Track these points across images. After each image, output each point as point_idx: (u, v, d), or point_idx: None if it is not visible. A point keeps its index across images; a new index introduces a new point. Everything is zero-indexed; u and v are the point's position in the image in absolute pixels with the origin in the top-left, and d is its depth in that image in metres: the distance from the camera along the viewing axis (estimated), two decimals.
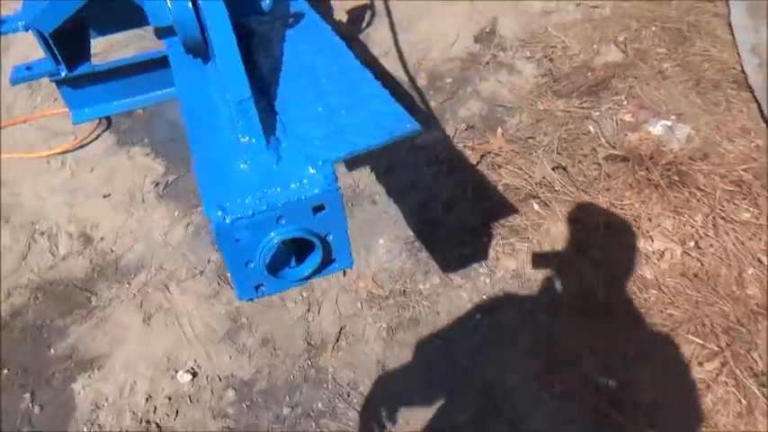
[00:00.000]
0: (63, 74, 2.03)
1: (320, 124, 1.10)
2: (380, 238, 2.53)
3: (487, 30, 3.58)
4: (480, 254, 2.40)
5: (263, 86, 1.23)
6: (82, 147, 3.13)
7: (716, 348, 2.02)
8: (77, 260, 2.61)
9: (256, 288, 1.04)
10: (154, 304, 2.47)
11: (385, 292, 2.35)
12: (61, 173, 3.04)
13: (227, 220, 0.94)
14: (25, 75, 2.12)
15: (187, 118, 1.19)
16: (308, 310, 2.35)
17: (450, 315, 2.26)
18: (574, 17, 3.53)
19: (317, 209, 0.99)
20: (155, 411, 2.08)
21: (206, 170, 1.06)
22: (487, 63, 3.36)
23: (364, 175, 2.82)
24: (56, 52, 1.98)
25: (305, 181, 0.99)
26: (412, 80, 3.29)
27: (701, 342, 2.02)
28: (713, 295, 2.15)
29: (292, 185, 0.98)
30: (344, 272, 2.45)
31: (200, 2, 1.12)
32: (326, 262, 1.08)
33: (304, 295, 2.40)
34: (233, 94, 1.06)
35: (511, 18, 3.61)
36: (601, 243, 2.35)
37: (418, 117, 3.08)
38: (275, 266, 1.03)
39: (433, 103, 3.16)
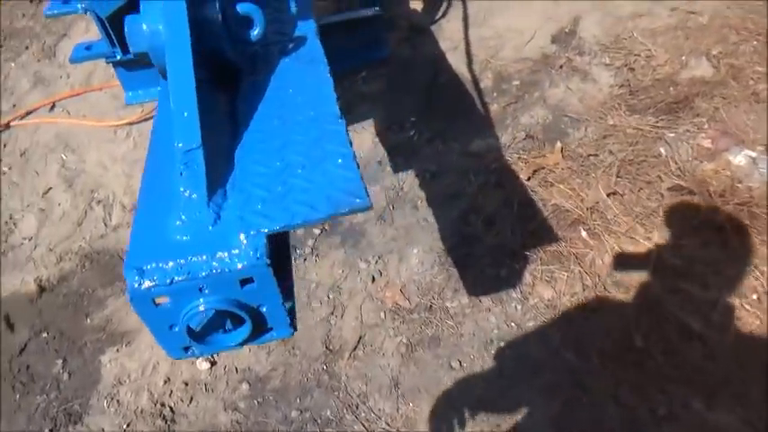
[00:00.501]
0: (118, 56, 2.07)
1: (271, 182, 1.00)
2: (415, 248, 2.46)
3: (567, 30, 3.33)
4: (515, 277, 2.28)
5: (233, 128, 1.15)
6: (146, 120, 3.24)
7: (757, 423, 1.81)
8: (126, 232, 2.73)
9: (185, 349, 0.98)
10: None
11: (411, 305, 2.29)
12: (125, 143, 3.17)
13: (143, 287, 0.87)
14: (84, 54, 2.20)
15: (147, 158, 1.13)
16: (332, 313, 2.33)
17: (474, 339, 2.16)
18: (666, 23, 3.21)
19: (245, 282, 0.91)
20: (170, 395, 2.15)
21: (140, 223, 0.99)
22: (561, 67, 3.14)
23: (410, 178, 2.74)
24: (111, 35, 2.02)
25: (234, 251, 0.89)
26: (476, 80, 3.14)
27: (742, 415, 1.82)
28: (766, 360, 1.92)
29: (219, 254, 0.89)
30: (373, 277, 2.41)
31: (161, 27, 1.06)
32: (262, 331, 1.00)
33: (330, 296, 2.39)
34: (180, 139, 0.99)
35: (595, 19, 3.35)
36: (648, 284, 2.15)
37: (477, 120, 2.96)
38: (203, 332, 0.96)
39: (494, 106, 3.01)
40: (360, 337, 2.23)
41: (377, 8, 2.42)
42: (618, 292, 2.16)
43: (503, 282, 2.28)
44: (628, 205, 2.37)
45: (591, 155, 2.65)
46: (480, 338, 2.16)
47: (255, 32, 1.15)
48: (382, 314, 2.28)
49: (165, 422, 2.09)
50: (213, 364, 2.24)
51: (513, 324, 2.17)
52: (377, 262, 2.46)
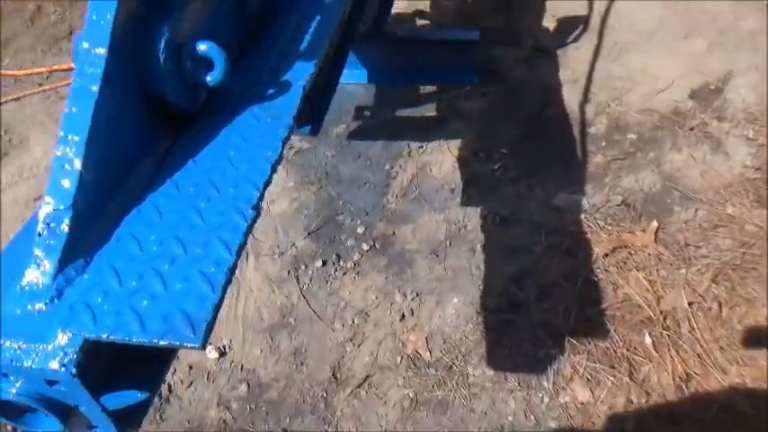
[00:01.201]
0: None
1: (132, 270, 0.84)
2: (457, 296, 2.25)
3: (713, 86, 2.87)
4: (553, 364, 2.01)
5: (146, 186, 1.00)
6: None
7: None
8: None
9: None
10: None
11: (431, 358, 2.11)
12: None
13: None
14: None
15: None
16: (351, 340, 2.21)
17: (484, 419, 1.95)
18: None
19: (52, 382, 0.77)
20: (174, 373, 2.16)
21: None
22: (691, 129, 2.71)
23: (477, 216, 2.51)
24: None
25: (46, 346, 0.76)
26: (587, 122, 2.79)
27: None
28: None
29: (31, 344, 0.76)
30: (404, 315, 2.25)
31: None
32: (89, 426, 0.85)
33: (355, 321, 2.26)
34: (51, 193, 0.84)
35: (750, 80, 2.85)
36: (706, 423, 1.80)
37: (572, 169, 2.63)
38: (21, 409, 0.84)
39: (598, 158, 2.66)
40: (367, 376, 2.10)
41: (476, 33, 2.18)
42: (667, 425, 1.83)
43: (538, 365, 2.02)
44: (712, 322, 1.99)
45: (691, 245, 2.26)
46: (491, 421, 1.94)
47: (213, 77, 0.98)
48: (399, 358, 2.13)
49: (160, 399, 2.10)
50: (222, 354, 2.22)
51: (532, 417, 1.92)
52: (413, 299, 2.29)
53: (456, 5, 3.53)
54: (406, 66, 2.36)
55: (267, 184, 0.96)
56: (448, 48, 2.31)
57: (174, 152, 1.01)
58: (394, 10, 3.37)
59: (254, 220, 0.90)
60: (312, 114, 1.76)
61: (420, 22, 3.41)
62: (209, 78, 0.96)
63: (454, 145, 2.83)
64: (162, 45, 0.89)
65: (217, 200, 0.93)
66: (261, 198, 0.94)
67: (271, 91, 1.10)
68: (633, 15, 3.24)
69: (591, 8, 3.35)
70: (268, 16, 1.27)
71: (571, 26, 3.28)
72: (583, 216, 2.40)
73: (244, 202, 0.92)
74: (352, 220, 2.65)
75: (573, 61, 3.10)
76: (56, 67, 3.62)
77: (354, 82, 2.42)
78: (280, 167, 2.81)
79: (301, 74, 1.13)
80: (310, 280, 2.44)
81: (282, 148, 1.01)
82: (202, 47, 0.94)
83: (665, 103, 2.82)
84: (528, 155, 2.72)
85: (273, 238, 2.63)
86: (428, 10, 3.48)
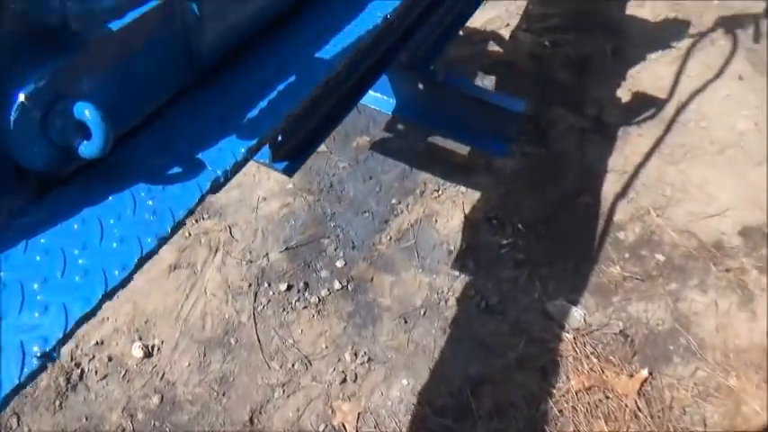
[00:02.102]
0: None
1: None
2: (407, 378, 2.06)
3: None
4: None
5: None
6: None
7: None
8: None
9: None
10: (192, 258, 2.38)
11: None
12: None
13: None
14: None
15: None
16: (283, 386, 2.05)
17: None
18: None
19: None
20: (91, 360, 2.03)
21: None
22: (727, 271, 2.42)
23: (464, 292, 2.29)
24: None
25: None
26: (616, 224, 2.52)
27: None
28: None
29: None
30: (345, 378, 2.06)
31: None
32: None
33: (295, 367, 2.09)
34: None
35: None
36: None
37: (581, 273, 2.36)
38: None
39: (614, 270, 2.40)
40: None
41: (522, 105, 1.91)
42: None
43: None
44: None
45: (675, 409, 2.02)
46: None
47: (87, 150, 0.74)
48: (323, 426, 1.95)
49: (66, 383, 1.98)
50: (147, 356, 2.07)
51: None
52: (363, 363, 2.10)
53: (530, 49, 3.22)
54: (438, 112, 2.10)
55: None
56: (488, 109, 2.05)
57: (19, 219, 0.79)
58: (460, 49, 3.10)
59: None
60: (294, 150, 1.54)
61: (482, 75, 3.12)
62: (81, 148, 0.73)
63: (470, 200, 2.59)
64: (22, 96, 0.67)
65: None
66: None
67: (174, 170, 0.87)
68: (713, 118, 2.91)
69: (672, 94, 3.02)
70: (234, 68, 1.04)
71: (643, 106, 2.96)
72: (573, 335, 2.16)
73: None
74: (336, 248, 2.45)
75: (630, 148, 2.80)
76: None
77: (376, 108, 2.17)
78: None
79: (223, 159, 0.89)
80: (268, 302, 2.26)
81: (141, 264, 0.78)
82: (84, 111, 0.71)
83: (709, 232, 2.52)
84: (543, 240, 2.47)
85: (250, 240, 2.46)
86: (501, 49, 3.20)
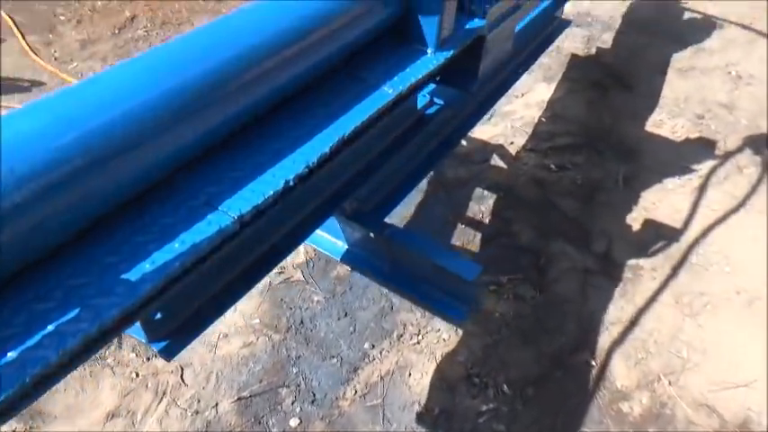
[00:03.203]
0: None
1: None
2: None
3: None
4: None
5: None
6: None
7: None
8: None
9: None
10: (134, 404, 2.15)
11: None
12: None
13: None
14: None
15: None
16: None
17: None
18: None
19: None
20: None
21: None
22: None
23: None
24: None
25: None
26: (620, 393, 2.16)
27: None
28: None
29: None
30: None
31: None
32: None
33: None
34: None
35: None
36: None
37: None
38: None
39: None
40: None
41: (476, 272, 1.61)
42: None
43: None
44: None
45: None
46: None
47: None
48: None
49: None
50: None
51: None
52: None
53: (533, 172, 2.99)
54: (390, 266, 1.83)
55: None
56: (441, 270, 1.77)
57: None
58: (458, 170, 2.90)
59: None
60: (182, 328, 1.29)
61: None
62: None
63: (452, 350, 2.29)
64: None
65: None
66: None
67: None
68: (739, 261, 2.56)
69: (691, 231, 2.69)
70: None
71: (658, 245, 2.65)
72: None
73: None
74: (294, 401, 2.18)
75: (641, 296, 2.47)
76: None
77: (325, 252, 1.91)
78: (256, 294, 2.42)
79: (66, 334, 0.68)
80: None
81: None
82: None
83: (733, 407, 2.13)
84: (531, 407, 2.13)
85: (201, 386, 2.21)
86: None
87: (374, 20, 1.23)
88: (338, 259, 1.85)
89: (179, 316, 1.26)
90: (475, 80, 1.61)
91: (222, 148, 1.04)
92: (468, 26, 1.39)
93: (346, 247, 1.84)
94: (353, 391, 2.21)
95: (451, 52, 1.36)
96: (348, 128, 1.09)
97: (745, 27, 3.98)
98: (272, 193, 0.95)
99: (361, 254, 1.83)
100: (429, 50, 1.32)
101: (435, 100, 1.83)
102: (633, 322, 2.37)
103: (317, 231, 1.83)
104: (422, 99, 1.83)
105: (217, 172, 0.99)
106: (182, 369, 2.28)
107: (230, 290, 1.31)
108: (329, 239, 1.86)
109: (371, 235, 1.80)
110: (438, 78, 1.65)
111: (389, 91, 1.20)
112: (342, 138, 1.07)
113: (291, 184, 0.98)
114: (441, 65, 1.32)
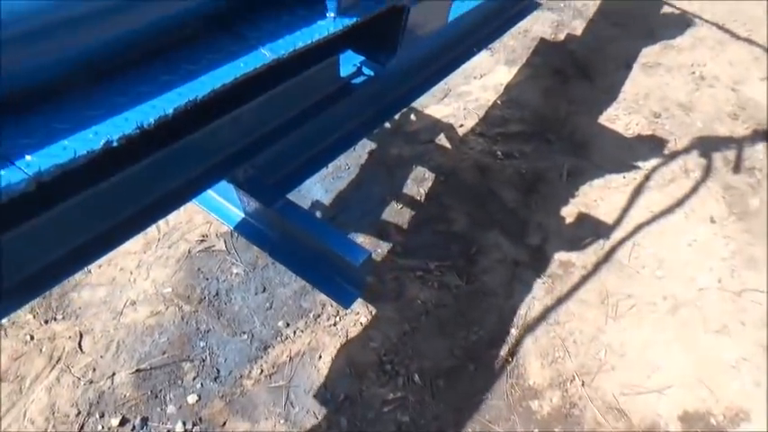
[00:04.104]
0: None
1: None
2: None
3: (714, 421, 2.12)
4: None
5: None
6: None
7: None
8: None
9: None
10: (24, 369, 2.04)
11: None
12: None
13: None
14: None
15: None
16: None
17: None
18: None
19: None
20: None
21: None
22: None
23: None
24: None
25: None
26: (531, 389, 2.11)
27: None
28: None
29: None
30: None
31: None
32: None
33: None
34: None
35: None
36: None
37: None
38: None
39: None
40: None
41: (364, 257, 1.49)
42: None
43: None
44: None
45: None
46: None
47: None
48: None
49: None
50: None
51: None
52: None
53: (478, 157, 2.89)
54: (281, 241, 1.70)
55: None
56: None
57: None
58: (403, 147, 2.78)
59: None
60: None
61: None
62: None
63: (367, 335, 2.21)
64: None
65: None
66: None
67: None
68: (672, 267, 2.52)
69: (629, 232, 2.64)
70: None
71: (593, 242, 2.59)
72: None
73: None
74: (195, 377, 2.09)
75: (573, 296, 2.41)
76: None
77: (217, 218, 1.76)
78: (173, 261, 2.29)
79: None
80: None
81: None
82: None
83: (644, 411, 2.10)
84: (439, 400, 2.07)
85: (99, 354, 2.11)
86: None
87: None
88: (232, 227, 1.73)
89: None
90: (392, 53, 1.49)
91: (56, 94, 0.91)
92: None
93: (242, 215, 1.73)
94: (260, 371, 2.12)
95: (353, 20, 1.23)
96: (201, 91, 0.96)
97: (718, 27, 3.89)
98: (85, 152, 0.83)
99: (255, 225, 1.71)
100: (330, 14, 1.19)
101: (364, 70, 1.71)
102: (555, 320, 2.32)
103: (214, 195, 1.71)
104: (348, 68, 1.70)
105: (39, 121, 0.87)
106: (81, 335, 2.17)
107: (91, 246, 1.18)
108: (226, 206, 1.74)
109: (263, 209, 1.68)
110: (353, 48, 1.52)
111: (266, 54, 1.08)
112: (192, 100, 0.95)
113: (114, 144, 0.86)
114: (337, 32, 1.19)
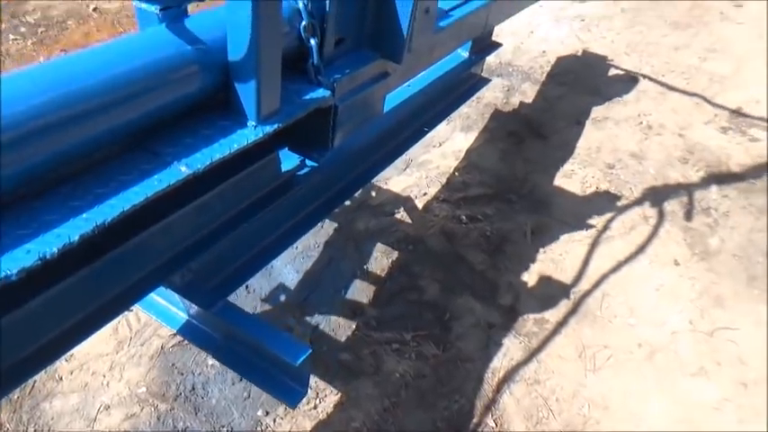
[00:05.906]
0: None
1: None
2: None
3: None
4: None
5: None
6: None
7: None
8: None
9: None
10: None
11: None
12: None
13: None
14: None
15: None
16: None
17: None
18: None
19: None
20: None
21: None
22: None
23: None
24: None
25: None
26: None
27: None
28: None
29: None
30: None
31: None
32: None
33: None
34: None
35: None
36: None
37: None
38: None
39: None
40: None
41: (304, 354, 1.47)
42: None
43: None
44: None
45: None
46: None
47: None
48: None
49: None
50: None
51: None
52: None
53: (443, 223, 2.96)
54: (224, 342, 1.67)
55: None
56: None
57: None
58: (369, 221, 2.83)
59: None
60: None
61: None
62: None
63: (348, 416, 2.18)
64: None
65: None
66: None
67: None
68: (642, 314, 2.56)
69: (596, 283, 2.68)
70: None
71: (562, 298, 2.62)
72: None
73: None
74: None
75: (546, 350, 2.42)
76: None
77: (159, 321, 1.74)
78: (146, 359, 2.24)
79: None
80: None
81: None
82: None
83: None
84: None
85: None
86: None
87: (182, 90, 1.15)
88: (175, 330, 1.72)
89: None
90: (326, 149, 1.54)
91: None
92: (306, 97, 1.33)
93: (186, 317, 1.72)
94: None
95: (275, 126, 1.27)
96: (110, 214, 0.98)
97: (655, 81, 4.12)
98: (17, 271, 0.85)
99: (199, 327, 1.70)
100: (250, 123, 1.24)
101: (308, 162, 1.75)
102: (535, 379, 2.32)
103: (158, 299, 1.71)
104: (294, 160, 1.76)
105: None
106: None
107: (29, 360, 1.17)
108: (170, 309, 1.73)
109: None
110: (287, 146, 1.57)
111: (183, 169, 1.10)
112: (101, 225, 0.97)
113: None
114: (260, 139, 1.24)
